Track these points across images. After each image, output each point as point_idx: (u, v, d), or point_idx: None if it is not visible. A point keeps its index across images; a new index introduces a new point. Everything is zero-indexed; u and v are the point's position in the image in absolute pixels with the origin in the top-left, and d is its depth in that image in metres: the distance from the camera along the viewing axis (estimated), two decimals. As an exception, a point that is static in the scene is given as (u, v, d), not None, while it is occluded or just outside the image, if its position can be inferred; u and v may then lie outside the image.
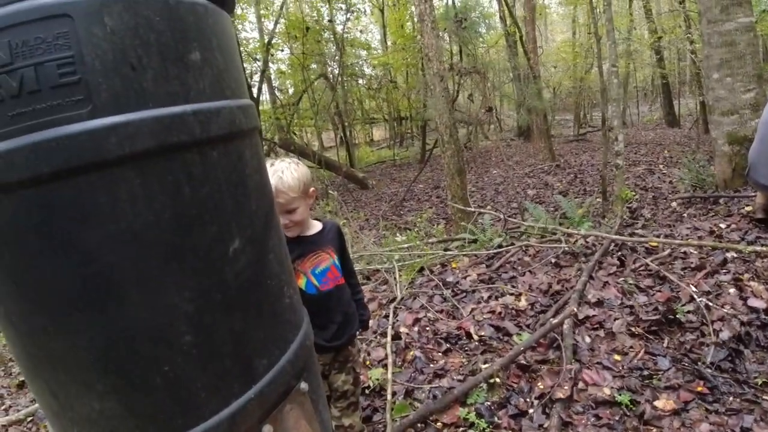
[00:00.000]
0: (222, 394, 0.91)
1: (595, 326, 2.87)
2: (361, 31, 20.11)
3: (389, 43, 20.10)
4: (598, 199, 7.59)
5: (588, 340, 2.75)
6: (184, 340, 0.85)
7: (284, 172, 1.64)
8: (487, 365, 2.59)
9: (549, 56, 23.30)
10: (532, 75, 13.23)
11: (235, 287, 0.92)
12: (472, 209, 5.87)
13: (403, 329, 3.17)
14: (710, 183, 5.81)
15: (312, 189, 1.79)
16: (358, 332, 2.02)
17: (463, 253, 4.55)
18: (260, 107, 15.00)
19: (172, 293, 0.83)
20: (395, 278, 4.12)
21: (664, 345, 2.67)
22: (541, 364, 2.58)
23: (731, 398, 2.23)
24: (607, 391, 2.32)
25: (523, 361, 2.57)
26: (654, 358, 2.57)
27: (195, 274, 0.86)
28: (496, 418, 2.24)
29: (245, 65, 13.57)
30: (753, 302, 2.84)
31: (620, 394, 2.28)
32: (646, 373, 2.44)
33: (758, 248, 3.41)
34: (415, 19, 7.46)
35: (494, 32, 18.09)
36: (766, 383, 2.35)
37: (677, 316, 2.81)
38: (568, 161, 13.06)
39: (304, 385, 1.10)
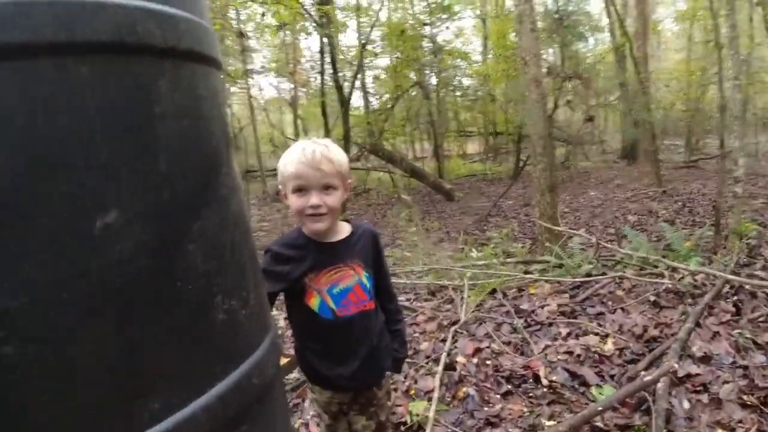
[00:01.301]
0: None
1: (698, 388, 2.28)
2: (462, 43, 19.75)
3: (490, 55, 19.53)
4: (709, 232, 6.65)
5: (687, 405, 2.16)
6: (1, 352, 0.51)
7: (330, 145, 1.37)
8: (552, 422, 2.09)
9: (661, 75, 21.62)
10: (641, 89, 12.13)
11: (100, 285, 0.57)
12: (561, 230, 5.25)
13: (460, 359, 2.73)
14: None
15: (350, 180, 1.44)
16: (389, 373, 1.61)
17: (545, 277, 4.00)
18: (353, 112, 15.03)
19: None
20: (462, 298, 3.67)
21: None
22: (623, 430, 2.03)
23: None
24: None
25: (599, 424, 2.04)
26: (771, 439, 1.96)
27: (22, 255, 0.52)
28: (556, 493, 1.75)
29: (342, 72, 13.65)
30: None
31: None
32: (764, 460, 1.84)
33: None
34: (515, 22, 6.97)
35: (602, 45, 17.04)
36: None
37: None
38: (676, 188, 11.82)
39: (237, 446, 0.73)
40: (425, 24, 14.68)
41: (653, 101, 15.79)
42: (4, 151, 0.51)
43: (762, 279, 3.48)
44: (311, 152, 1.31)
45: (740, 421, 2.07)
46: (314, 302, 1.40)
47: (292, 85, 15.83)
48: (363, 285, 1.45)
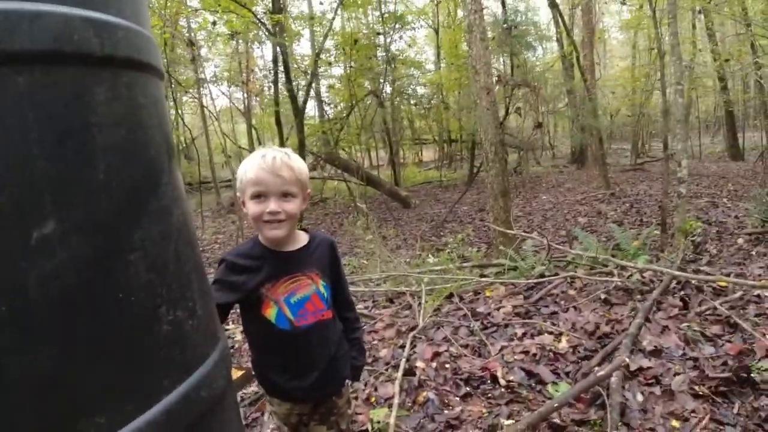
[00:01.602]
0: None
1: (650, 381, 2.37)
2: (415, 52, 20.00)
3: (443, 64, 19.85)
4: (656, 231, 6.93)
5: (640, 398, 2.24)
6: None
7: (290, 154, 1.38)
8: (510, 421, 2.13)
9: (607, 82, 22.52)
10: (588, 96, 12.58)
11: (40, 299, 0.55)
12: (515, 233, 5.37)
13: (419, 364, 2.75)
14: None
15: (309, 190, 1.43)
16: (348, 382, 1.59)
17: (500, 280, 4.08)
18: (308, 121, 14.97)
19: None
20: (420, 303, 3.70)
21: (735, 411, 2.18)
22: (580, 425, 2.10)
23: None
24: (661, 467, 1.81)
25: (557, 420, 2.09)
26: (721, 427, 2.07)
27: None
28: (515, 492, 1.78)
29: (296, 81, 13.58)
30: None
31: (679, 474, 1.78)
32: (712, 447, 1.93)
33: None
34: (464, 31, 7.12)
35: (550, 54, 17.59)
36: None
37: (752, 375, 2.31)
38: (624, 190, 12.30)
39: (186, 461, 0.72)
40: (379, 33, 14.82)
41: (600, 107, 16.39)
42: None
43: (707, 274, 3.65)
44: (271, 159, 1.31)
45: (693, 411, 2.16)
46: (271, 313, 1.38)
47: (246, 95, 15.65)
48: (320, 294, 1.44)
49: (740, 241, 5.80)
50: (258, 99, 16.87)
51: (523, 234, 5.41)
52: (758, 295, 3.15)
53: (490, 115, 6.11)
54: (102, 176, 0.61)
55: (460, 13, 17.08)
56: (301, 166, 1.38)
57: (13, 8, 0.54)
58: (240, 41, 13.35)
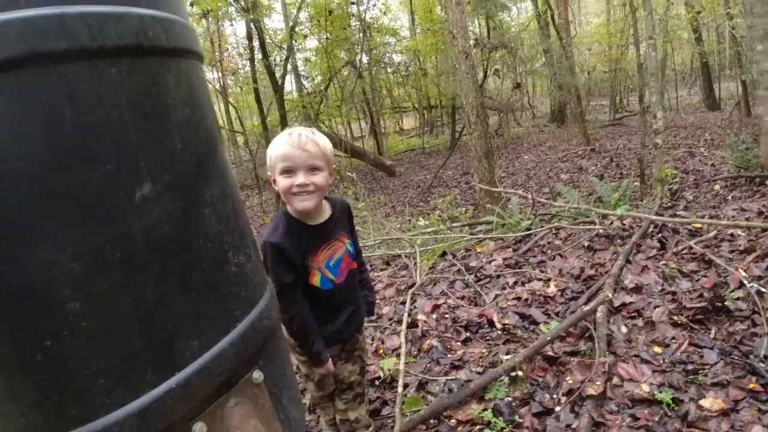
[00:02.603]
0: (129, 383, 0.70)
1: (633, 315, 2.58)
2: (390, 20, 19.78)
3: (418, 30, 19.71)
4: (635, 182, 7.18)
5: (624, 330, 2.46)
6: (68, 308, 0.64)
7: (315, 131, 1.48)
8: (509, 356, 2.33)
9: (583, 39, 22.55)
10: (564, 54, 12.69)
11: (143, 245, 0.70)
12: (500, 190, 5.56)
13: (420, 317, 2.94)
14: (756, 164, 5.66)
15: (334, 165, 1.58)
16: (365, 318, 1.80)
17: (489, 236, 4.28)
18: (287, 97, 14.89)
19: (48, 246, 0.63)
20: (416, 263, 3.89)
21: (711, 336, 2.38)
22: (571, 356, 2.31)
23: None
24: (645, 387, 2.03)
25: (550, 353, 2.30)
26: (699, 350, 2.27)
27: (81, 223, 0.64)
28: (517, 417, 1.99)
29: (272, 56, 13.45)
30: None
31: (660, 392, 1.99)
32: (690, 367, 2.15)
33: (821, 228, 3.05)
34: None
35: (525, 14, 17.55)
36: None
37: (725, 303, 2.52)
38: (604, 145, 12.55)
39: (257, 375, 0.88)
40: (352, 3, 14.65)
41: (577, 65, 16.47)
42: (61, 140, 0.63)
43: (683, 217, 3.86)
44: (297, 135, 1.43)
45: (673, 338, 2.36)
46: (317, 279, 1.54)
47: (221, 74, 15.47)
48: (348, 251, 1.63)
49: (716, 187, 6.00)
50: (233, 78, 16.69)
51: (509, 191, 5.60)
52: (731, 234, 3.34)
53: (470, 78, 6.23)
54: (179, 146, 0.76)
55: (432, -24, 16.93)
56: (325, 142, 1.49)
57: (103, 11, 0.68)
58: (210, 20, 13.13)
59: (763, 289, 2.55)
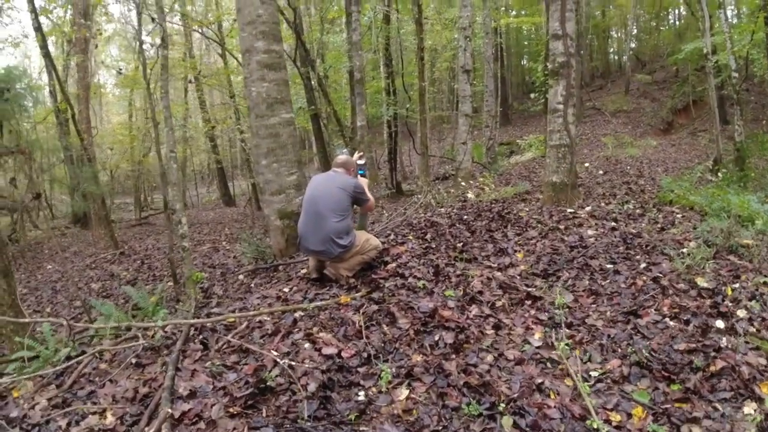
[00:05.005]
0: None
1: (194, 420, 2.67)
2: None
3: None
4: (169, 284, 7.41)
5: (188, 439, 2.52)
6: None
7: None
8: None
9: (105, 137, 22.15)
10: (86, 157, 12.15)
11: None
12: (27, 321, 4.75)
13: None
14: (269, 254, 6.34)
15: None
16: None
17: (24, 376, 3.57)
18: None
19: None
20: None
21: (264, 415, 2.69)
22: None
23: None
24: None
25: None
26: (258, 431, 2.55)
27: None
28: None
29: None
30: (326, 350, 3.21)
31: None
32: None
33: (319, 303, 3.95)
34: None
35: (42, 107, 15.95)
36: (358, 416, 2.65)
37: (268, 383, 2.88)
38: (133, 247, 12.46)
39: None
40: None
41: (99, 163, 15.93)
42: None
43: (218, 315, 4.20)
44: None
45: (234, 429, 2.55)
46: None
47: None
48: None
49: (241, 277, 6.52)
50: None
51: (37, 320, 4.84)
52: (259, 321, 3.79)
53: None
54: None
55: None
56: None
57: None
58: None
59: (293, 363, 3.07)
